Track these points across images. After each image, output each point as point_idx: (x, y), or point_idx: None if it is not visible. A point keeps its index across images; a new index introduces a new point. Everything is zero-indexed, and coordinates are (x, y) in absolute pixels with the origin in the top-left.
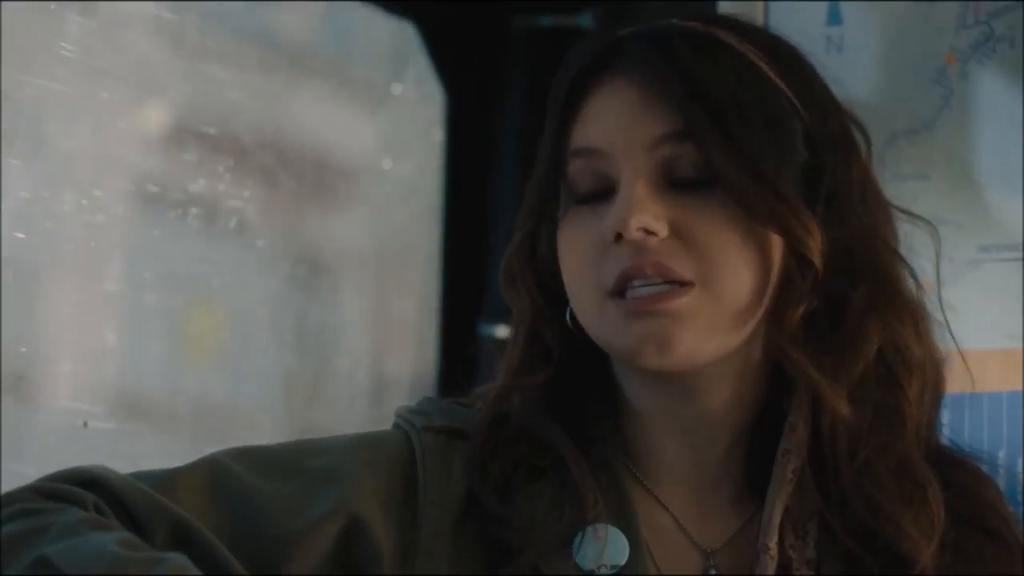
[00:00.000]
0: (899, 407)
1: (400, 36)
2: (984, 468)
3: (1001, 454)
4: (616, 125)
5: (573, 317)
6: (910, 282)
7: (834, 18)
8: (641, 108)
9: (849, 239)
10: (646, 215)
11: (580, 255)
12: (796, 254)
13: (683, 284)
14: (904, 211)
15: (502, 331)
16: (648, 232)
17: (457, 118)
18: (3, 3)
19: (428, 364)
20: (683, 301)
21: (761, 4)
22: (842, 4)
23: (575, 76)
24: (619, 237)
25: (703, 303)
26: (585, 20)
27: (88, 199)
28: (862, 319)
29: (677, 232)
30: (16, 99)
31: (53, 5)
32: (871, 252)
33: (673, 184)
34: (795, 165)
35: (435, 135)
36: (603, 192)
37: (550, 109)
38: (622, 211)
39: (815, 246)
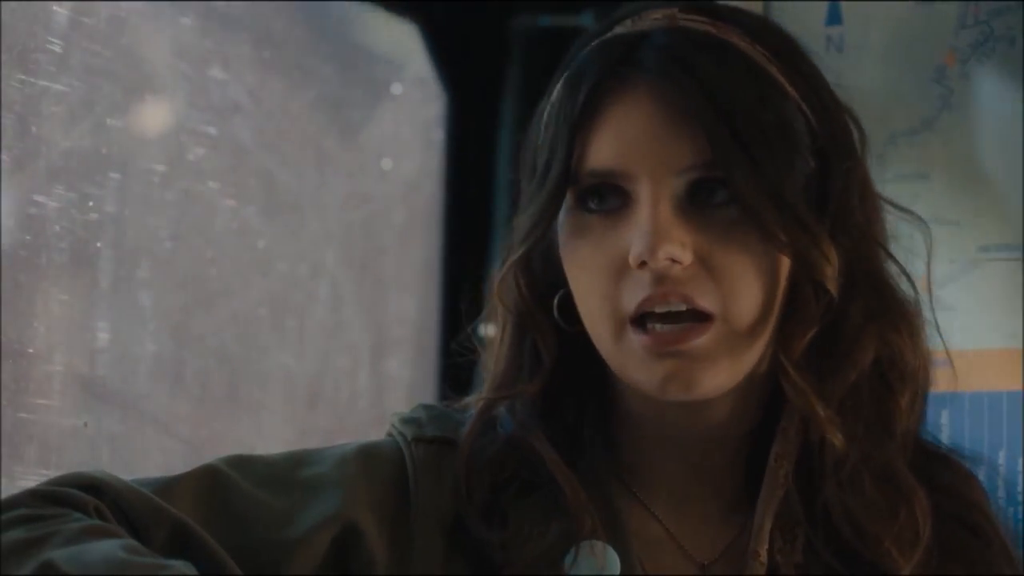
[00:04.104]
0: (890, 417)
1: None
2: (967, 464)
3: (1001, 454)
4: (639, 146)
5: (563, 313)
6: (905, 284)
7: (834, 18)
8: (665, 131)
9: (849, 247)
10: (673, 245)
11: (595, 274)
12: (812, 281)
13: (703, 317)
14: (895, 205)
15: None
16: (674, 261)
17: (457, 118)
18: (2, 3)
19: (429, 365)
20: (704, 340)
21: (760, 3)
22: (842, 4)
23: (590, 87)
24: (642, 264)
25: (723, 337)
26: (586, 20)
27: (88, 199)
28: (859, 332)
29: (700, 258)
30: (16, 99)
31: (54, 5)
32: (869, 259)
33: (693, 205)
34: (805, 176)
35: (435, 135)
36: (615, 203)
37: (560, 117)
38: (648, 237)
39: (832, 273)
